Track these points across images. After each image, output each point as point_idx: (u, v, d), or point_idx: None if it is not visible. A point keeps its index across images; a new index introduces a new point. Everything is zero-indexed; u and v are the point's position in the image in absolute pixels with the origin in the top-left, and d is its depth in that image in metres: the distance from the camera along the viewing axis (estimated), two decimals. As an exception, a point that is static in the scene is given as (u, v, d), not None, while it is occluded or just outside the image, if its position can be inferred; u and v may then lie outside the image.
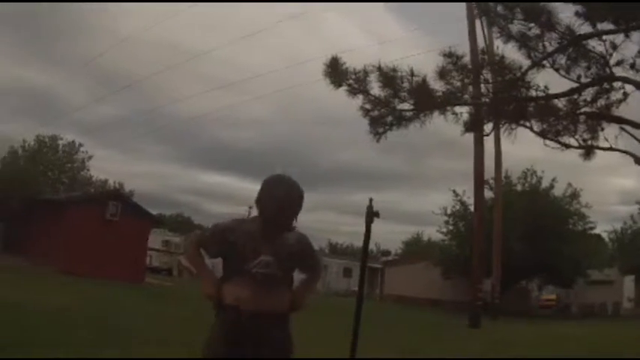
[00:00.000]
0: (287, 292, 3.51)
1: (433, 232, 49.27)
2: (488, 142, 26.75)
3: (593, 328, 23.05)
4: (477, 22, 20.70)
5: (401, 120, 11.35)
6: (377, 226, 6.79)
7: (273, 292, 3.38)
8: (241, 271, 3.37)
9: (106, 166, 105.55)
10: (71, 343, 8.85)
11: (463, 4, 21.47)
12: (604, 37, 9.47)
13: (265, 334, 3.33)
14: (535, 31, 9.65)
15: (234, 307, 3.34)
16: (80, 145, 53.05)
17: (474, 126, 11.57)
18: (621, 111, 10.44)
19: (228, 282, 3.46)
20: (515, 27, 9.76)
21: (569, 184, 37.99)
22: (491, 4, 10.12)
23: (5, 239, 35.36)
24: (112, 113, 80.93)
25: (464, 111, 11.17)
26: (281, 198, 3.42)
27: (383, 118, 11.46)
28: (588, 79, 10.06)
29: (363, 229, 6.84)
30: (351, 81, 11.14)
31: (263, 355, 3.32)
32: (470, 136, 16.83)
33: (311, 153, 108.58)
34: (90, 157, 53.40)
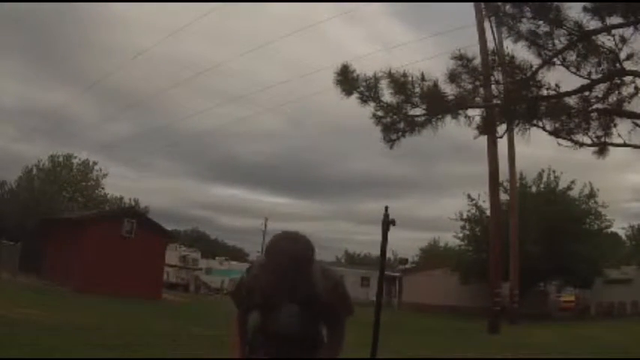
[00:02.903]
0: (313, 349, 3.27)
1: (450, 238, 48.99)
2: (502, 145, 26.67)
3: (615, 329, 22.82)
4: (485, 23, 20.58)
5: (413, 126, 11.29)
6: (393, 233, 6.75)
7: (297, 352, 3.19)
8: (262, 330, 3.21)
9: (121, 183, 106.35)
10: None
11: (471, 6, 21.43)
12: (613, 31, 9.38)
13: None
14: (544, 28, 9.59)
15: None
16: (94, 163, 53.37)
17: (486, 128, 11.49)
18: (633, 106, 10.35)
19: (251, 344, 3.31)
20: (525, 26, 9.71)
21: (585, 184, 37.78)
22: (499, 3, 10.06)
23: (22, 259, 35.58)
24: (125, 130, 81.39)
25: (476, 114, 11.11)
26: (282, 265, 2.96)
27: (395, 124, 11.40)
28: (599, 75, 9.97)
29: (379, 237, 6.80)
30: (361, 88, 11.11)
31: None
32: (482, 140, 16.73)
33: (323, 163, 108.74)
34: (104, 175, 53.69)
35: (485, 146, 25.53)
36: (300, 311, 3.12)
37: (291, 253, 2.93)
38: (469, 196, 38.74)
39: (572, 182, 37.54)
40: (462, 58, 10.64)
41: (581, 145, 11.02)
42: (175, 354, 10.83)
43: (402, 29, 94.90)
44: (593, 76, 9.99)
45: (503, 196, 32.36)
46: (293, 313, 3.10)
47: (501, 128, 12.27)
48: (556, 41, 9.72)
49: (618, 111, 10.51)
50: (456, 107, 10.85)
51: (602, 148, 11.08)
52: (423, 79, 10.79)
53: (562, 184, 37.99)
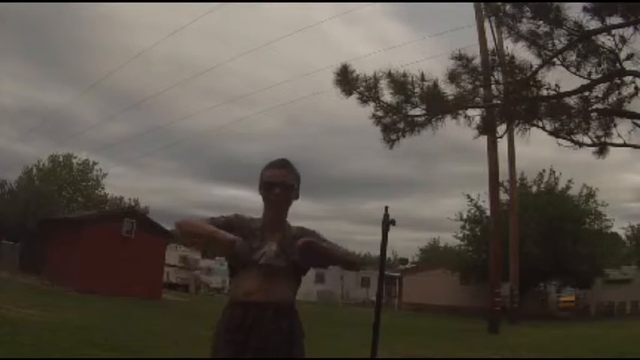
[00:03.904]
0: (293, 283, 3.39)
1: (450, 238, 49.07)
2: (502, 145, 26.67)
3: (615, 329, 22.82)
4: (485, 23, 20.58)
5: (413, 126, 11.30)
6: (393, 234, 6.73)
7: (280, 283, 3.29)
8: (246, 265, 3.28)
9: (121, 183, 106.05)
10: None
11: (471, 6, 21.44)
12: (613, 31, 9.39)
13: (273, 326, 3.23)
14: (544, 28, 9.59)
15: (242, 301, 3.27)
16: (94, 163, 53.36)
17: (486, 128, 11.49)
18: (633, 106, 10.35)
19: (234, 278, 3.39)
20: (525, 26, 9.72)
21: (585, 185, 37.82)
22: (499, 3, 10.06)
23: (22, 259, 35.65)
24: (125, 130, 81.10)
25: (476, 114, 11.11)
26: (273, 168, 3.44)
27: (395, 124, 11.40)
28: (599, 75, 9.97)
29: (378, 237, 6.78)
30: (361, 88, 11.10)
31: (272, 346, 3.22)
32: (482, 140, 16.73)
33: (323, 164, 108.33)
34: (104, 175, 53.69)
35: (486, 146, 25.55)
36: (280, 250, 3.32)
37: (288, 161, 3.48)
38: (468, 197, 38.82)
39: (570, 181, 37.61)
40: (461, 58, 10.64)
41: (581, 145, 11.03)
42: (175, 354, 10.82)
43: (402, 29, 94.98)
44: (593, 76, 10.00)
45: (503, 196, 32.39)
46: (274, 250, 3.31)
47: (501, 128, 12.28)
48: (556, 41, 9.74)
49: (618, 111, 10.52)
50: (455, 107, 10.85)
51: (602, 148, 11.09)
52: (422, 79, 10.79)
53: (561, 184, 38.07)
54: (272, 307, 3.25)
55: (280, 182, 3.37)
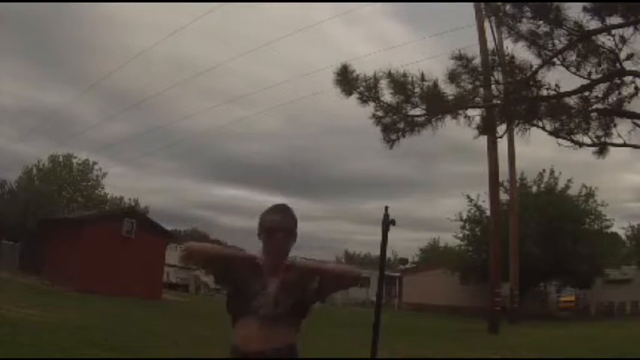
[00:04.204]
0: (294, 324, 3.42)
1: (450, 238, 48.92)
2: (502, 145, 26.67)
3: (615, 329, 22.83)
4: (485, 23, 20.57)
5: (413, 126, 11.29)
6: (393, 233, 6.75)
7: (279, 329, 3.31)
8: (245, 311, 3.33)
9: (120, 183, 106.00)
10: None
11: (471, 6, 21.44)
12: (613, 31, 9.39)
13: None
14: (544, 28, 9.59)
15: (242, 350, 3.30)
16: (94, 163, 53.32)
17: (486, 128, 11.48)
18: (633, 106, 10.35)
19: (235, 323, 3.41)
20: (525, 26, 9.71)
21: (585, 185, 37.80)
22: (499, 3, 10.06)
23: (22, 259, 35.64)
24: (125, 130, 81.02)
25: (476, 114, 11.11)
26: (274, 213, 3.46)
27: (395, 124, 11.40)
28: (599, 75, 9.97)
29: (379, 237, 6.80)
30: (361, 88, 11.10)
31: None
32: (482, 140, 16.74)
33: (323, 164, 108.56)
34: (104, 175, 53.64)
35: (485, 146, 25.55)
36: (281, 294, 3.30)
37: (288, 208, 3.50)
38: (468, 197, 38.83)
39: (570, 181, 37.60)
40: (461, 58, 10.64)
41: (581, 145, 11.02)
42: (175, 354, 10.83)
43: (402, 29, 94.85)
44: (593, 76, 9.99)
45: (503, 196, 32.40)
46: (272, 296, 3.29)
47: (501, 128, 12.28)
48: (556, 41, 9.73)
49: (618, 111, 10.52)
50: (455, 107, 10.85)
51: (602, 148, 11.09)
52: (422, 79, 10.79)
53: (561, 184, 38.07)
54: (271, 354, 3.28)
55: (282, 227, 3.41)
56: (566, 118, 10.84)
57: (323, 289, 3.37)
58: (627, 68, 9.75)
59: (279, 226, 3.40)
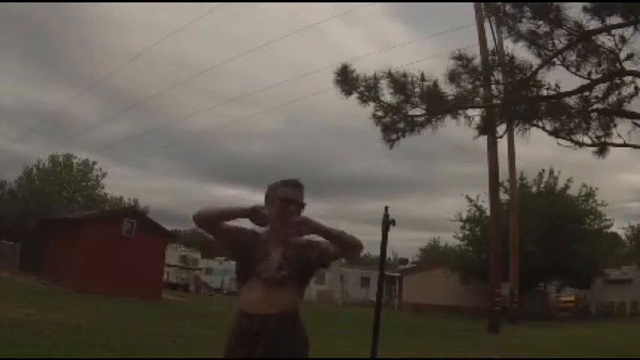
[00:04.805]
0: (297, 291, 3.55)
1: (450, 238, 48.99)
2: (502, 145, 26.66)
3: (615, 329, 22.83)
4: (485, 23, 20.56)
5: (413, 126, 11.29)
6: (393, 233, 6.77)
7: (282, 294, 3.44)
8: (252, 276, 3.47)
9: (120, 183, 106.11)
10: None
11: (471, 6, 21.44)
12: (613, 31, 9.38)
13: (277, 335, 3.38)
14: (544, 28, 9.58)
15: (247, 311, 3.43)
16: (94, 163, 53.27)
17: (486, 128, 11.49)
18: (633, 106, 10.35)
19: (242, 287, 3.54)
20: (525, 26, 9.71)
21: (585, 185, 37.78)
22: (499, 3, 10.05)
23: (22, 259, 35.63)
24: (125, 130, 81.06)
25: (476, 114, 11.11)
26: (290, 187, 3.61)
27: (395, 124, 11.40)
28: (599, 75, 9.97)
29: (379, 237, 6.81)
30: (361, 88, 11.10)
31: (276, 355, 3.36)
32: (482, 140, 16.73)
33: (322, 163, 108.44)
34: (104, 175, 53.59)
35: (486, 146, 25.53)
36: (284, 260, 3.49)
37: (297, 181, 3.65)
38: (467, 197, 38.83)
39: (569, 180, 37.56)
40: (461, 58, 10.64)
41: (581, 145, 11.03)
42: (175, 354, 10.82)
43: (402, 29, 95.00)
44: (593, 76, 10.00)
45: (503, 196, 32.39)
46: (277, 261, 3.48)
47: (501, 128, 12.28)
48: (556, 41, 9.73)
49: (618, 111, 10.52)
50: (455, 107, 10.85)
51: (602, 148, 11.10)
52: (422, 79, 10.79)
53: (560, 184, 38.03)
54: (275, 318, 3.38)
55: (295, 200, 3.56)
56: (566, 118, 10.85)
57: (326, 255, 3.56)
58: (627, 68, 9.75)
59: (294, 198, 3.56)
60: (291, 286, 3.48)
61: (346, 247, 3.56)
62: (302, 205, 3.59)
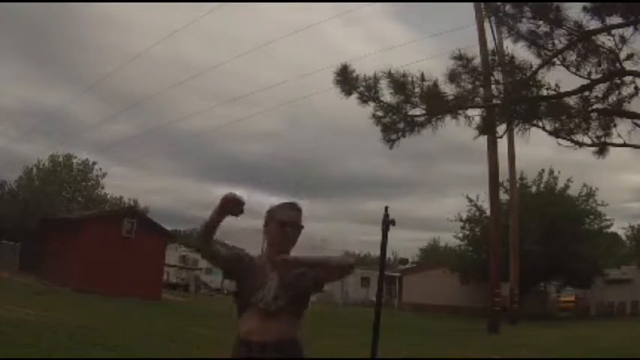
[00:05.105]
0: (294, 317, 3.55)
1: (450, 238, 48.96)
2: (502, 145, 26.65)
3: (615, 329, 22.83)
4: (485, 23, 20.55)
5: (413, 126, 11.29)
6: (393, 233, 6.76)
7: (279, 322, 3.45)
8: (250, 305, 3.48)
9: (120, 183, 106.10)
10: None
11: (471, 6, 21.42)
12: (613, 31, 9.38)
13: None
14: (544, 28, 9.58)
15: (245, 340, 3.45)
16: (94, 163, 53.28)
17: (486, 128, 11.48)
18: (633, 106, 10.34)
19: (240, 316, 3.55)
20: (525, 26, 9.70)
21: (584, 184, 37.79)
22: (499, 3, 10.04)
23: (22, 259, 35.60)
24: (124, 130, 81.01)
25: (476, 114, 11.10)
26: (288, 209, 3.64)
27: (395, 124, 11.39)
28: (599, 75, 9.96)
29: (379, 237, 6.80)
30: (361, 88, 11.09)
31: None
32: (482, 140, 16.72)
33: (322, 163, 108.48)
34: (104, 175, 53.60)
35: (485, 146, 25.53)
36: (280, 288, 3.46)
37: (295, 204, 3.68)
38: (467, 198, 38.84)
39: (569, 180, 37.56)
40: (461, 58, 10.63)
41: (581, 145, 11.02)
42: (175, 354, 10.82)
43: (402, 29, 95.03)
44: (593, 76, 9.99)
45: (503, 196, 32.39)
46: (273, 290, 3.45)
47: (501, 128, 12.27)
48: (556, 41, 9.72)
49: (618, 111, 10.51)
50: (455, 107, 10.84)
51: (602, 148, 11.08)
52: (422, 79, 10.78)
53: (560, 184, 38.04)
54: (273, 345, 3.39)
55: (293, 222, 3.60)
56: (566, 118, 10.84)
57: (319, 280, 3.55)
58: (627, 68, 9.74)
59: (291, 220, 3.58)
60: (288, 313, 3.48)
61: (334, 272, 3.60)
62: (300, 228, 3.63)
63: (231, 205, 3.41)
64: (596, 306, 39.98)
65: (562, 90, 10.31)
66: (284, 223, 3.56)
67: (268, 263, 3.55)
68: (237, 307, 3.58)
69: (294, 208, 3.64)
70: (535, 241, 33.58)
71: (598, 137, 11.02)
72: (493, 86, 11.01)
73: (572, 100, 10.61)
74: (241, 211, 3.46)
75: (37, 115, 76.22)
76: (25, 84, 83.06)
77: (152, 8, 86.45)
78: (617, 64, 9.72)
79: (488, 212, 31.93)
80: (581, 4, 9.15)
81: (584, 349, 15.88)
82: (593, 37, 9.62)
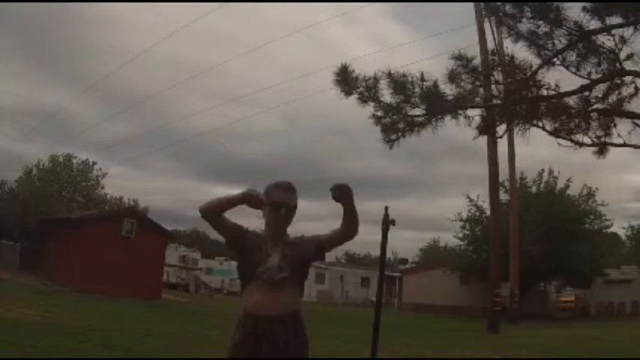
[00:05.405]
0: (297, 290, 3.67)
1: (450, 238, 49.01)
2: (502, 145, 26.65)
3: (615, 329, 22.82)
4: (485, 23, 20.54)
5: (413, 126, 11.28)
6: (393, 233, 6.76)
7: (284, 294, 3.55)
8: (254, 277, 3.56)
9: (121, 183, 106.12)
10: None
11: (471, 6, 21.41)
12: (613, 31, 9.37)
13: (283, 337, 3.48)
14: (544, 28, 9.57)
15: (252, 313, 3.52)
16: (94, 163, 53.28)
17: (486, 129, 11.47)
18: (633, 106, 10.34)
19: (244, 289, 3.65)
20: (524, 26, 9.69)
21: (584, 185, 37.80)
22: (499, 3, 10.04)
23: (22, 259, 35.60)
24: (124, 130, 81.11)
25: (476, 114, 11.10)
26: (282, 190, 3.72)
27: (395, 124, 11.39)
28: (599, 75, 9.96)
29: (379, 237, 6.80)
30: (361, 89, 11.09)
31: (281, 354, 3.47)
32: (482, 140, 16.72)
33: (322, 163, 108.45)
34: (104, 175, 53.60)
35: (485, 146, 25.52)
36: (284, 261, 3.60)
37: (290, 184, 3.78)
38: (468, 197, 38.85)
39: (569, 180, 37.56)
40: (461, 58, 10.62)
41: (581, 145, 11.02)
42: (175, 354, 10.81)
43: (402, 29, 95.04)
44: (593, 76, 9.98)
45: (503, 196, 32.37)
46: (277, 262, 3.58)
47: (501, 128, 12.26)
48: (556, 41, 9.71)
49: (618, 111, 10.51)
50: (455, 107, 10.84)
51: (602, 148, 11.09)
52: (422, 79, 10.77)
53: (560, 184, 38.04)
54: (278, 320, 3.50)
55: (287, 203, 3.69)
56: (566, 118, 10.84)
57: (327, 245, 3.81)
58: (627, 68, 9.74)
59: (285, 201, 3.68)
60: (291, 284, 3.58)
61: (353, 227, 3.76)
62: (293, 209, 3.71)
63: (252, 199, 3.60)
64: (596, 306, 39.98)
65: (562, 90, 10.31)
66: (278, 204, 3.63)
67: (269, 240, 3.65)
68: (242, 281, 3.68)
69: (287, 189, 3.72)
70: (535, 241, 33.56)
71: (598, 137, 11.03)
72: (493, 86, 11.01)
73: (572, 100, 10.62)
74: (259, 208, 3.64)
75: (37, 115, 76.34)
76: (25, 84, 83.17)
77: (152, 8, 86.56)
78: (617, 64, 9.71)
79: (488, 212, 31.94)
80: (581, 4, 9.14)
81: (585, 349, 15.88)
82: (593, 37, 9.61)
